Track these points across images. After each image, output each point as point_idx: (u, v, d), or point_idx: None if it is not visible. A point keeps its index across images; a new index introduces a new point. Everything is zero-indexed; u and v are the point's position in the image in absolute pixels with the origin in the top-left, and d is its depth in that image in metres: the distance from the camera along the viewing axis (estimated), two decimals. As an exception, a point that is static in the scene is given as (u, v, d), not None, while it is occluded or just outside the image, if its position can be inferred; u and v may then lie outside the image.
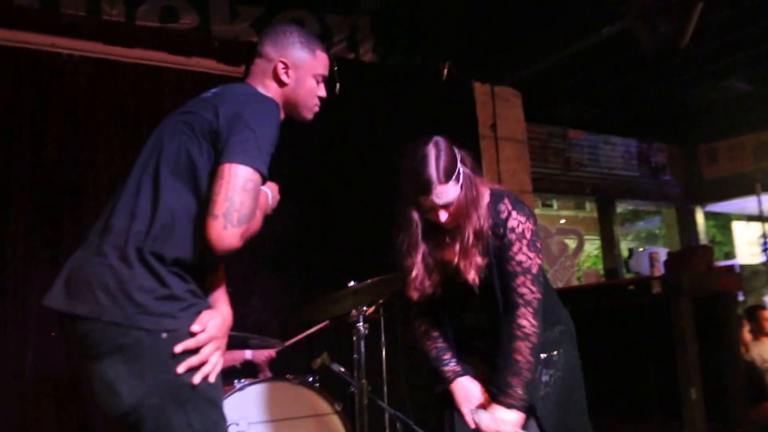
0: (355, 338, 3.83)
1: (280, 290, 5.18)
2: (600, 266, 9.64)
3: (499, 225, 2.57)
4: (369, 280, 3.65)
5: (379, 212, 5.54)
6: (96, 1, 4.88)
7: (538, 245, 2.59)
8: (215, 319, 2.07)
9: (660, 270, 6.16)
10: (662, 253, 6.53)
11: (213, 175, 2.01)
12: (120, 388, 1.96)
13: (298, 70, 2.36)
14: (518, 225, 2.56)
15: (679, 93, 7.92)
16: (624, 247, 9.56)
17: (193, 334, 1.99)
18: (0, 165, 4.47)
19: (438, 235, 2.66)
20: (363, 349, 3.80)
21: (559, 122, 8.43)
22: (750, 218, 11.37)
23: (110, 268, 1.97)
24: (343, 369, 4.02)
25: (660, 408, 4.88)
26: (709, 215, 10.74)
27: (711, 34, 6.04)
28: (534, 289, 2.53)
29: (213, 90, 2.25)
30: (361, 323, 3.80)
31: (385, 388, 4.52)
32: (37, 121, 4.60)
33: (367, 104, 5.78)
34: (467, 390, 2.69)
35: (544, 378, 2.61)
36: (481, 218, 2.55)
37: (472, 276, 2.54)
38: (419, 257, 2.63)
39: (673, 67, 7.01)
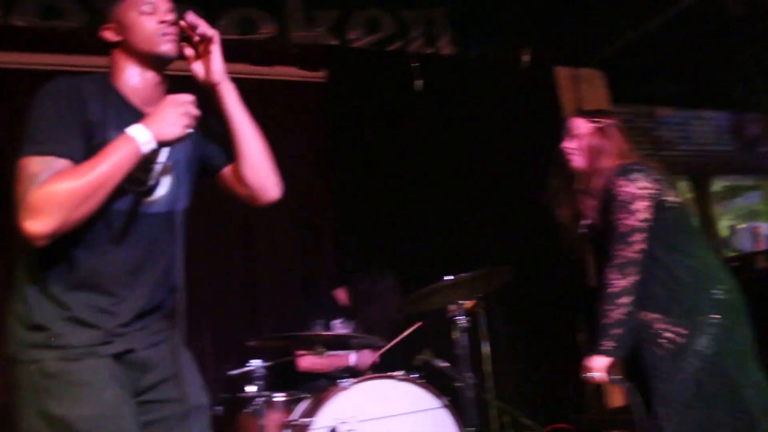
0: (456, 332, 3.80)
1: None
2: (700, 247, 9.31)
3: (613, 195, 2.91)
4: (466, 274, 3.62)
5: (464, 206, 5.58)
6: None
7: (631, 207, 2.83)
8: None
9: (763, 244, 5.96)
10: (765, 228, 6.32)
11: None
12: None
13: (119, 25, 2.19)
14: (618, 190, 2.91)
15: (771, 58, 7.58)
16: (723, 226, 9.23)
17: None
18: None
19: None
20: (466, 343, 3.77)
21: (646, 101, 8.20)
22: None
23: None
24: (446, 364, 4.00)
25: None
26: (811, 186, 10.27)
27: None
28: (619, 248, 2.81)
29: None
30: (462, 317, 3.77)
31: (490, 382, 4.48)
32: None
33: (448, 98, 5.71)
34: None
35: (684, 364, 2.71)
36: (602, 172, 3.00)
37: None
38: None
39: (763, 30, 6.72)
